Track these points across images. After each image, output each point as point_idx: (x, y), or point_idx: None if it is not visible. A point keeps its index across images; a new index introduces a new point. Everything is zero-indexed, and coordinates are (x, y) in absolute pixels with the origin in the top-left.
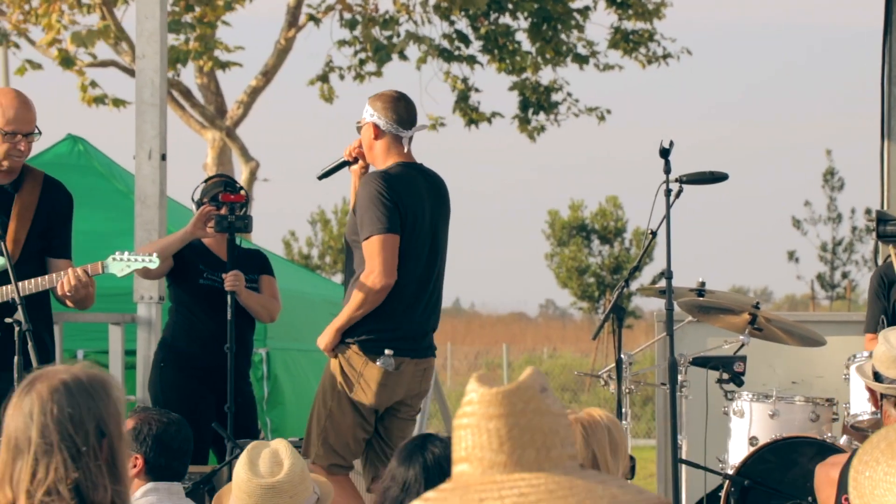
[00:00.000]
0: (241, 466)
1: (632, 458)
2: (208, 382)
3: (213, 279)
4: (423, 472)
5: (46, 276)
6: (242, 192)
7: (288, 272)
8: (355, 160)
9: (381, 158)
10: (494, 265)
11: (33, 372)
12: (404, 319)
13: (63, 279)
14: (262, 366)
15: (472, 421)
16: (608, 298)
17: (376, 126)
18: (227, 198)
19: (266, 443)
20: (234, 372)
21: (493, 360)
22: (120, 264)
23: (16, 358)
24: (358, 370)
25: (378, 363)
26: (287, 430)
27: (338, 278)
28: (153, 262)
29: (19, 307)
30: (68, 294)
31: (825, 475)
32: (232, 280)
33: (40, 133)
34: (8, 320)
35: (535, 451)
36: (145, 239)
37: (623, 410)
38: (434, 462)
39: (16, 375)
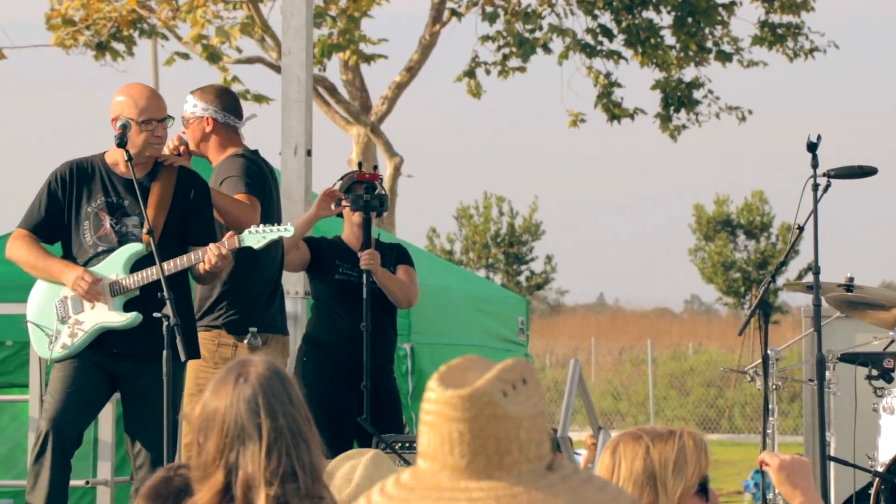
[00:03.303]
0: None
1: (704, 478)
2: (350, 377)
3: (350, 273)
4: None
5: (184, 256)
6: (377, 171)
7: (431, 266)
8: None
9: (218, 150)
10: (639, 260)
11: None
12: (265, 299)
13: (205, 257)
14: (407, 360)
15: (431, 420)
16: (754, 294)
17: (214, 119)
18: (361, 177)
19: (360, 451)
20: (369, 350)
21: (637, 355)
22: (255, 236)
23: (164, 352)
24: (231, 355)
25: (245, 342)
26: None
27: (482, 273)
28: (288, 231)
29: (168, 302)
30: (210, 271)
31: None
32: (367, 258)
33: (173, 119)
34: (157, 315)
35: (486, 458)
36: None
37: (770, 406)
38: None
39: (164, 369)
